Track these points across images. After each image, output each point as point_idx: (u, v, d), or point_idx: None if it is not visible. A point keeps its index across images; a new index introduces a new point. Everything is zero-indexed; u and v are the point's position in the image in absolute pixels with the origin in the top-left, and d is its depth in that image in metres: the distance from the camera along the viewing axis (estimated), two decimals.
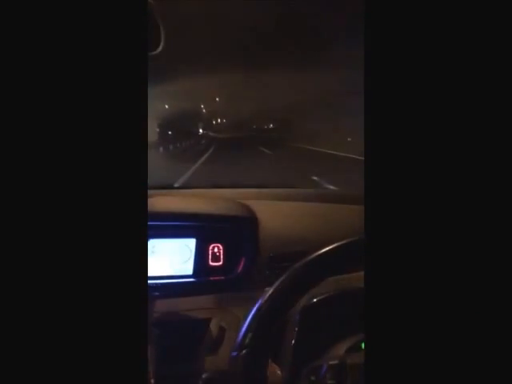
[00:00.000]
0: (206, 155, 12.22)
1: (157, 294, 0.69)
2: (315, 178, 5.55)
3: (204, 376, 0.63)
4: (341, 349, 0.61)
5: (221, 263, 0.79)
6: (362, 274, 0.50)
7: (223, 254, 0.79)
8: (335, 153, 9.74)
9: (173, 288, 0.74)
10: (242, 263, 0.76)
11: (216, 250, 0.79)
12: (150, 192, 1.17)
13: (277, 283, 0.66)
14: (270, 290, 0.66)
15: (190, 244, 0.79)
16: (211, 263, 0.78)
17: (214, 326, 0.68)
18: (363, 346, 0.59)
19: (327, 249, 0.62)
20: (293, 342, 0.63)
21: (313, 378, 0.56)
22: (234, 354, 0.61)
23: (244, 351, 0.60)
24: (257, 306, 0.64)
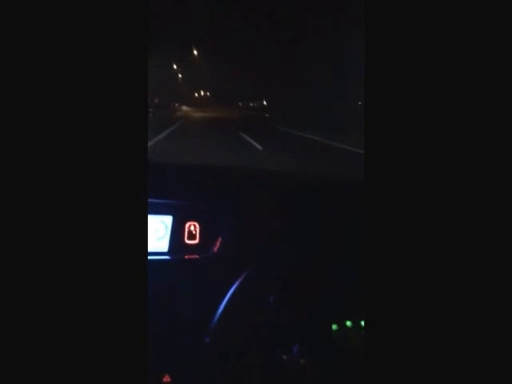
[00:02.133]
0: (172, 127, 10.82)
1: None
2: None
3: (177, 360, 0.64)
4: (312, 330, 0.63)
5: (196, 242, 0.78)
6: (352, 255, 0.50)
7: (199, 233, 0.79)
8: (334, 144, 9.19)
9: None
10: (218, 243, 0.76)
11: (192, 228, 0.79)
12: None
13: (246, 271, 0.66)
14: (241, 276, 0.66)
15: (167, 221, 0.78)
16: (187, 241, 0.78)
17: (187, 309, 0.68)
18: (348, 324, 0.61)
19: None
20: (265, 322, 0.64)
21: (284, 357, 0.57)
22: (207, 339, 0.61)
23: (217, 338, 0.61)
24: (229, 293, 0.64)
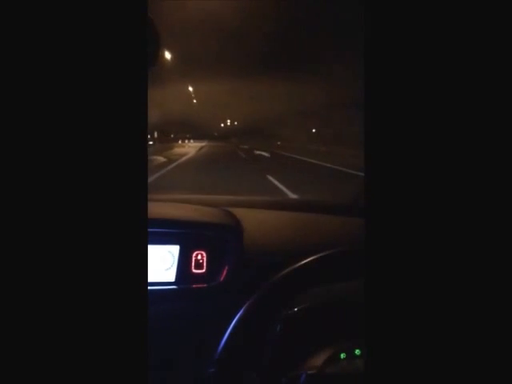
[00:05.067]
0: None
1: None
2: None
3: None
4: (319, 359, 0.60)
5: (204, 271, 0.78)
6: (354, 283, 0.49)
7: (206, 262, 0.78)
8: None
9: (154, 295, 0.73)
10: (225, 271, 0.75)
11: (199, 257, 0.78)
12: None
13: (252, 298, 0.65)
14: (248, 304, 0.65)
15: (174, 251, 0.79)
16: (194, 270, 0.78)
17: (195, 339, 0.67)
18: (357, 352, 0.58)
19: (303, 262, 0.60)
20: (272, 351, 0.62)
21: None
22: (212, 370, 0.60)
23: (221, 367, 0.59)
24: (235, 320, 0.62)
